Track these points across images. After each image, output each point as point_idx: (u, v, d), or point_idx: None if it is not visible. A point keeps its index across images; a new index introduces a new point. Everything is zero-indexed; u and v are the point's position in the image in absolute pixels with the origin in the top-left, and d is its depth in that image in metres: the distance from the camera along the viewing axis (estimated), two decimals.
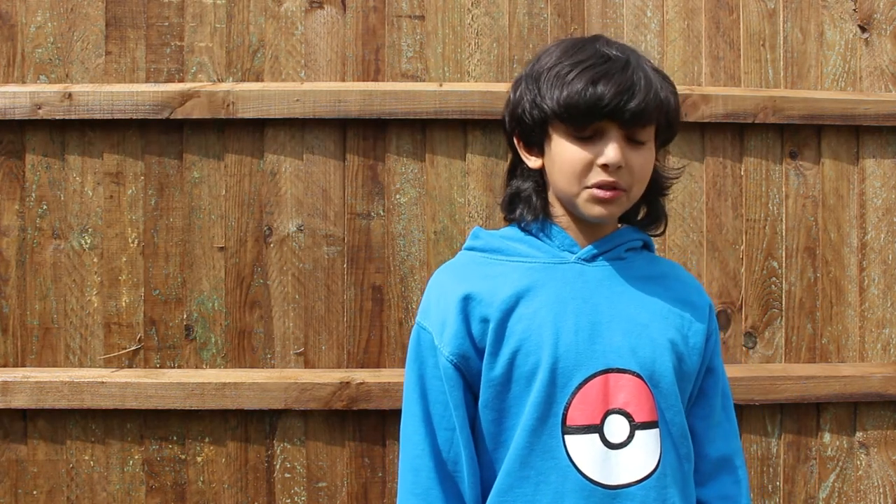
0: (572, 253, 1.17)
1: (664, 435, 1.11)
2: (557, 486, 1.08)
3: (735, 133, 1.80)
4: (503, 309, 1.12)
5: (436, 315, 1.16)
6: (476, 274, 1.17)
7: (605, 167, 1.09)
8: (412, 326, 1.73)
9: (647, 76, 1.10)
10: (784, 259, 1.80)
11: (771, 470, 1.78)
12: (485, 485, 1.14)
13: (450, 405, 1.13)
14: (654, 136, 1.15)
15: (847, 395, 1.74)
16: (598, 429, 1.08)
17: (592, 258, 1.17)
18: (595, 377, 1.09)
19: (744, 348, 1.79)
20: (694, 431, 1.20)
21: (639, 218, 1.25)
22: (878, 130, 1.81)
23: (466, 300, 1.13)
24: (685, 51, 1.80)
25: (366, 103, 1.73)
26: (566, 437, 1.08)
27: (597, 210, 1.12)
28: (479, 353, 1.13)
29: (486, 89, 1.73)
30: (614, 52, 1.11)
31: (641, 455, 1.09)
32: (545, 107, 1.11)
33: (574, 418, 1.08)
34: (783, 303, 1.80)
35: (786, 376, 1.73)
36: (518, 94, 1.18)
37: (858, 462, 1.80)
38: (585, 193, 1.12)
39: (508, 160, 1.27)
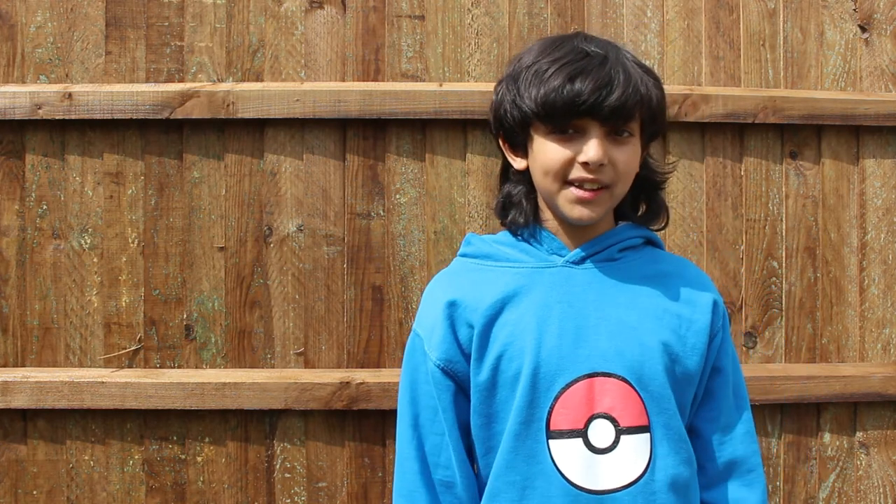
0: (560, 256, 1.16)
1: (657, 440, 1.09)
2: (543, 491, 1.07)
3: (735, 133, 1.80)
4: (488, 314, 1.12)
5: (426, 321, 1.17)
6: (465, 280, 1.17)
7: (586, 165, 1.08)
8: (412, 326, 1.73)
9: (626, 70, 1.08)
10: (784, 259, 1.80)
11: (771, 470, 1.78)
12: (481, 489, 1.14)
13: (439, 410, 1.13)
14: (640, 131, 1.13)
15: (847, 395, 1.74)
16: (581, 433, 1.07)
17: (581, 261, 1.15)
18: (579, 381, 1.08)
19: (744, 348, 1.79)
20: (701, 434, 1.18)
21: (639, 214, 1.23)
22: (879, 130, 1.81)
23: (452, 306, 1.14)
24: (685, 51, 1.80)
25: (366, 103, 1.73)
26: (550, 441, 1.08)
27: (577, 212, 1.11)
28: (467, 358, 1.13)
29: (486, 89, 1.73)
30: (592, 49, 1.09)
31: (628, 460, 1.07)
32: (524, 106, 1.10)
33: (558, 423, 1.08)
34: (783, 303, 1.80)
35: (786, 376, 1.73)
36: (500, 95, 1.17)
37: (858, 462, 1.80)
38: (566, 192, 1.10)
39: (500, 163, 1.26)
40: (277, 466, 1.75)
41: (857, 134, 1.81)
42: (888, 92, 1.82)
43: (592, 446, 1.07)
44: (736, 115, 1.76)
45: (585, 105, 1.05)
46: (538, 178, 1.13)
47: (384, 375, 1.72)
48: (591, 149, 1.07)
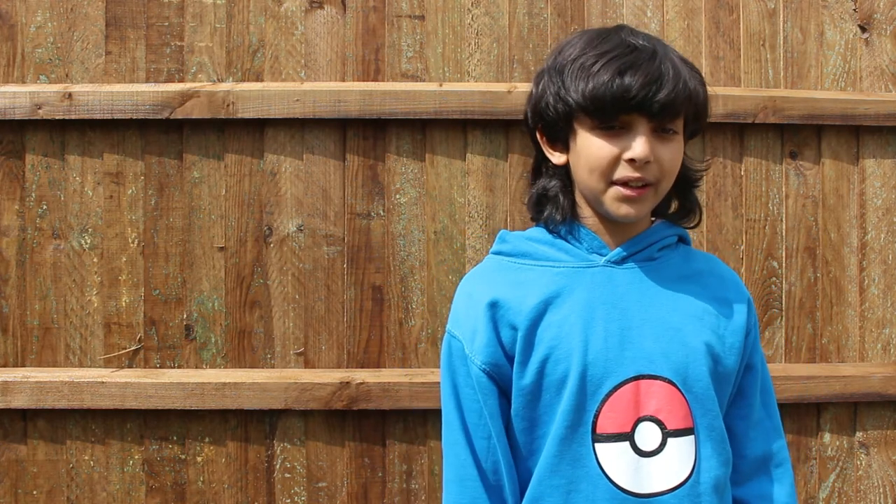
0: (601, 255, 1.13)
1: (701, 441, 1.08)
2: (588, 495, 1.06)
3: (735, 133, 1.80)
4: (532, 317, 1.09)
5: (465, 323, 1.14)
6: (503, 280, 1.14)
7: (632, 162, 1.05)
8: (412, 326, 1.73)
9: (675, 66, 1.06)
10: (784, 259, 1.81)
11: None
12: (522, 493, 1.12)
13: (484, 414, 1.11)
14: (684, 128, 1.11)
15: (847, 395, 1.74)
16: (628, 436, 1.06)
17: (622, 260, 1.13)
18: (625, 384, 1.07)
19: None
20: (733, 431, 1.17)
21: (671, 211, 1.21)
22: (879, 130, 1.81)
23: (494, 307, 1.11)
24: (685, 51, 1.80)
25: (366, 103, 1.73)
26: (596, 445, 1.06)
27: (624, 209, 1.08)
28: (510, 360, 1.11)
29: (486, 89, 1.73)
30: (640, 42, 1.07)
31: (675, 463, 1.06)
32: (570, 99, 1.07)
33: (604, 426, 1.06)
34: (783, 303, 1.80)
35: (786, 376, 1.73)
36: (541, 87, 1.13)
37: (858, 462, 1.80)
38: (612, 191, 1.08)
39: (533, 158, 1.24)
40: (277, 466, 1.75)
41: (857, 134, 1.81)
42: (888, 92, 1.82)
43: (639, 449, 1.06)
44: (736, 115, 1.76)
45: (636, 100, 1.03)
46: (582, 174, 1.11)
47: (384, 375, 1.72)
48: (639, 146, 1.05)
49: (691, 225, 1.22)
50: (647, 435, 1.06)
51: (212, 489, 1.75)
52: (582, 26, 1.79)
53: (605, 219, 1.13)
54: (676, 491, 1.05)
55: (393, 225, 1.77)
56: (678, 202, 1.21)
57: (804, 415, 1.78)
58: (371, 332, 1.77)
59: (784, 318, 1.80)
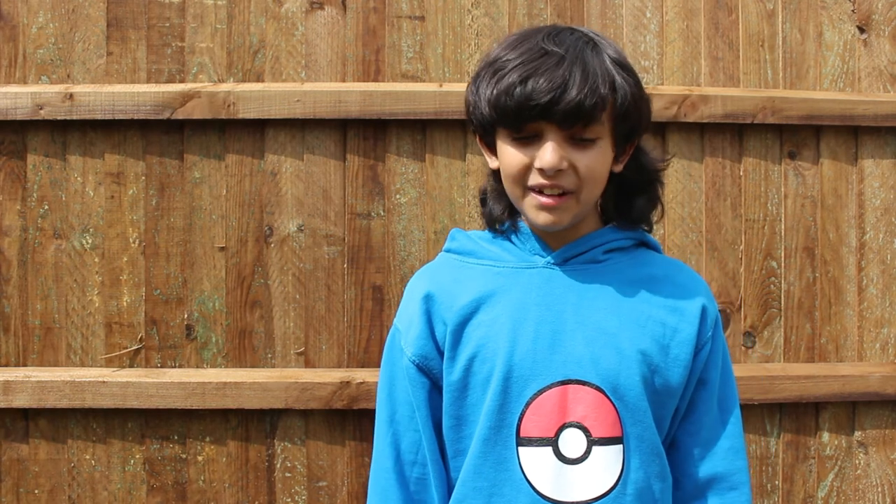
0: (542, 257, 1.12)
1: (630, 451, 1.04)
2: (510, 499, 1.04)
3: (734, 133, 1.81)
4: (463, 313, 1.09)
5: (404, 315, 1.15)
6: (445, 276, 1.14)
7: (541, 171, 1.03)
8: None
9: (585, 69, 1.00)
10: (783, 259, 1.81)
11: (770, 469, 1.78)
12: (450, 492, 1.10)
13: (415, 407, 1.10)
14: (611, 132, 1.06)
15: (846, 394, 1.75)
16: (552, 442, 1.04)
17: (563, 262, 1.11)
18: (552, 388, 1.04)
19: (743, 348, 1.80)
20: (680, 447, 1.13)
21: (625, 215, 1.16)
22: (877, 131, 1.81)
23: (428, 300, 1.11)
24: (684, 51, 1.81)
25: (366, 103, 1.73)
26: (520, 448, 1.04)
27: (542, 218, 1.06)
28: (442, 355, 1.10)
29: None
30: (552, 47, 1.02)
31: (599, 472, 1.03)
32: (481, 107, 1.06)
33: (528, 430, 1.04)
34: (782, 302, 1.81)
35: (785, 376, 1.74)
36: (468, 92, 1.11)
37: (857, 461, 1.80)
38: (529, 198, 1.06)
39: None
40: (278, 466, 1.76)
41: (856, 134, 1.82)
42: (886, 92, 1.82)
43: (563, 456, 1.03)
44: (735, 116, 1.76)
45: (538, 107, 0.99)
46: (504, 182, 1.10)
47: None
48: (546, 154, 1.01)
49: (645, 229, 1.17)
50: (572, 441, 1.03)
51: (212, 488, 1.75)
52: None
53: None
54: (599, 501, 1.03)
55: (393, 225, 1.78)
56: (630, 204, 1.15)
57: (803, 414, 1.79)
58: (371, 332, 1.77)
59: (783, 318, 1.81)
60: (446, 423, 1.10)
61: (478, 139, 1.16)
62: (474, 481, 1.06)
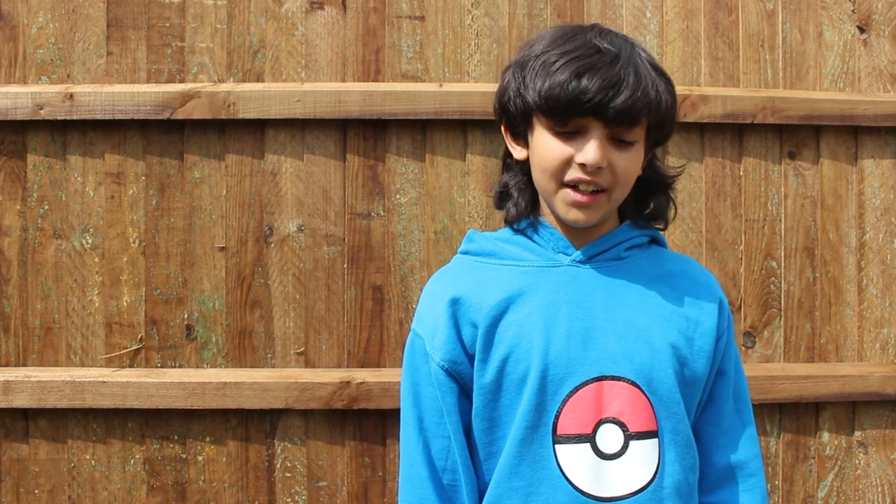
0: (567, 255, 1.12)
1: (665, 445, 1.06)
2: (548, 498, 1.04)
3: (734, 133, 1.81)
4: (492, 314, 1.08)
5: (427, 320, 1.13)
6: (467, 278, 1.14)
7: (583, 166, 1.04)
8: (411, 326, 1.73)
9: (637, 72, 1.03)
10: (783, 259, 1.81)
11: (770, 469, 1.78)
12: (481, 495, 1.10)
13: (444, 412, 1.10)
14: (645, 136, 1.09)
15: (846, 394, 1.75)
16: (589, 438, 1.04)
17: (588, 259, 1.12)
18: (587, 384, 1.05)
19: (743, 348, 1.80)
20: (702, 438, 1.14)
21: (644, 213, 1.18)
22: (877, 131, 1.81)
23: (455, 304, 1.10)
24: (684, 51, 1.81)
25: (366, 103, 1.73)
26: (557, 446, 1.04)
27: (573, 214, 1.07)
28: (471, 358, 1.09)
29: (486, 90, 1.74)
30: (605, 45, 1.04)
31: (636, 466, 1.04)
32: (528, 97, 1.06)
33: (565, 427, 1.04)
34: (782, 302, 1.81)
35: (784, 376, 1.74)
36: (506, 80, 1.12)
37: (857, 461, 1.80)
38: (562, 193, 1.07)
39: (502, 151, 1.23)
40: (278, 466, 1.76)
41: (856, 134, 1.82)
42: (886, 92, 1.83)
43: (600, 452, 1.04)
44: (735, 116, 1.76)
45: (591, 104, 1.00)
46: (536, 173, 1.10)
47: (385, 375, 1.73)
48: (591, 150, 1.03)
49: (662, 227, 1.20)
50: (609, 437, 1.04)
51: (212, 488, 1.75)
52: None
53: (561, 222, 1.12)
54: (638, 495, 1.03)
55: (393, 225, 1.78)
56: (648, 205, 1.18)
57: (803, 414, 1.79)
58: (371, 332, 1.77)
59: (783, 318, 1.81)
60: (478, 425, 1.10)
61: (503, 128, 1.16)
62: (510, 481, 1.06)
